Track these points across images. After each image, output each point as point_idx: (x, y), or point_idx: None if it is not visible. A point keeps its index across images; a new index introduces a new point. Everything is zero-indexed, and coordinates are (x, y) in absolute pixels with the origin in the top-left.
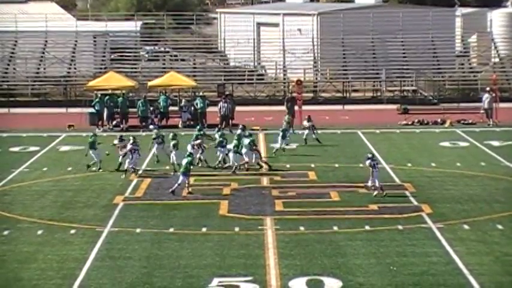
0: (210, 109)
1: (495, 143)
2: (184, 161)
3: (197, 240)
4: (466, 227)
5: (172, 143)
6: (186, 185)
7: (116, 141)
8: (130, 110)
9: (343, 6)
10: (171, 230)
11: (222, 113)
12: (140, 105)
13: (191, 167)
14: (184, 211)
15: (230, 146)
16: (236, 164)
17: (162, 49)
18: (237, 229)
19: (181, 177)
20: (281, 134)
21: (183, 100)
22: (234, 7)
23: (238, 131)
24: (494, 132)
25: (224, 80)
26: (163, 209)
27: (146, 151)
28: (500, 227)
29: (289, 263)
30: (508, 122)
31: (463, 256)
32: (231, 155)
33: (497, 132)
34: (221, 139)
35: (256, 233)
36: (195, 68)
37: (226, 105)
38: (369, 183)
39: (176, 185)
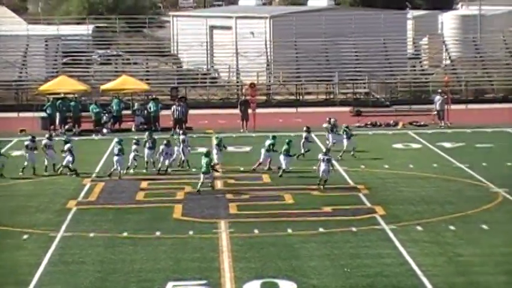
0: (163, 112)
1: (447, 145)
2: (204, 161)
3: (151, 244)
4: (419, 228)
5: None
6: (201, 183)
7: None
8: (83, 114)
9: (295, 9)
10: (125, 234)
11: (175, 116)
12: (94, 108)
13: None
14: (138, 215)
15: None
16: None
17: (115, 52)
18: (191, 232)
19: (202, 176)
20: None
21: (136, 104)
22: (187, 10)
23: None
24: (446, 133)
25: (177, 83)
26: (116, 213)
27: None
28: (452, 227)
29: (244, 266)
30: (459, 123)
31: (417, 257)
32: (281, 157)
33: (449, 133)
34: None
35: (210, 237)
36: (147, 71)
37: (180, 108)
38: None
39: (200, 184)
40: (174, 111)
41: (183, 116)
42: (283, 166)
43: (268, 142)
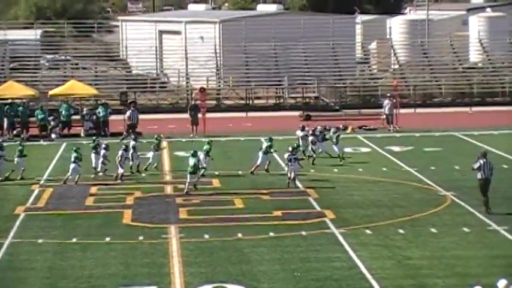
0: (112, 117)
1: (396, 149)
2: (192, 161)
3: (101, 249)
4: (368, 231)
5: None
6: (187, 183)
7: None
8: (31, 119)
9: (245, 14)
10: (74, 240)
11: (132, 121)
12: (39, 114)
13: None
14: (87, 221)
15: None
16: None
17: (63, 57)
18: (141, 238)
19: (188, 177)
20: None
21: (85, 109)
22: (136, 15)
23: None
24: (395, 137)
25: (126, 88)
26: (66, 219)
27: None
28: (401, 231)
29: (194, 270)
30: (408, 127)
31: (366, 260)
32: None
33: (397, 137)
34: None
35: (160, 242)
36: (96, 76)
37: (135, 113)
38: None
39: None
40: (130, 116)
41: (137, 121)
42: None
43: (265, 144)
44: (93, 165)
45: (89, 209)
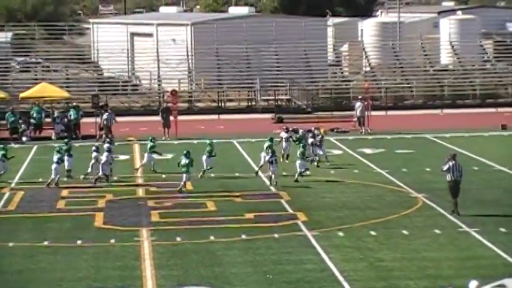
0: (83, 120)
1: (368, 151)
2: (184, 161)
3: (72, 252)
4: (340, 233)
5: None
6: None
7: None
8: (1, 122)
9: (217, 16)
10: (45, 243)
11: (110, 123)
12: (9, 117)
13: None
14: (59, 224)
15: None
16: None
17: (34, 60)
18: (112, 241)
19: (184, 176)
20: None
21: (56, 111)
22: (107, 17)
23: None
24: (367, 140)
25: (98, 90)
26: (36, 222)
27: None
28: (373, 233)
29: (166, 273)
30: (379, 129)
31: (338, 263)
32: (298, 162)
33: (369, 140)
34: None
35: (132, 245)
36: (68, 78)
37: (111, 116)
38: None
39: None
40: (107, 118)
41: (112, 123)
42: (298, 169)
43: (266, 144)
44: (66, 167)
45: (60, 212)
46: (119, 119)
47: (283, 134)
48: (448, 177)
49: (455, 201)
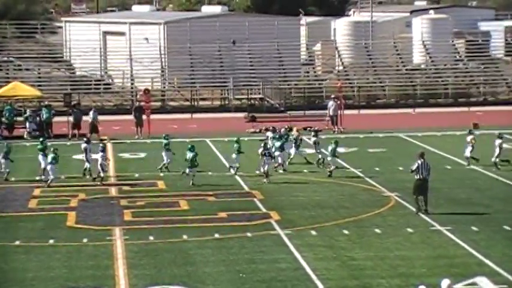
0: (56, 119)
1: (340, 150)
2: (189, 155)
3: (44, 252)
4: (313, 232)
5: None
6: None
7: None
8: None
9: (189, 15)
10: (17, 242)
11: (94, 121)
12: None
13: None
14: (31, 223)
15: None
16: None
17: (5, 58)
18: (85, 240)
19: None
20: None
21: (28, 110)
22: (79, 16)
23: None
24: (339, 139)
25: (70, 89)
26: (8, 221)
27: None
28: (346, 232)
29: (139, 273)
30: (352, 128)
31: (311, 261)
32: (329, 158)
33: (342, 139)
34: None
35: (104, 244)
36: (40, 77)
37: (95, 114)
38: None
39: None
40: (93, 116)
41: (79, 122)
42: (332, 167)
43: (277, 143)
44: (42, 166)
45: (33, 212)
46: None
47: (269, 134)
48: (417, 176)
49: (425, 199)
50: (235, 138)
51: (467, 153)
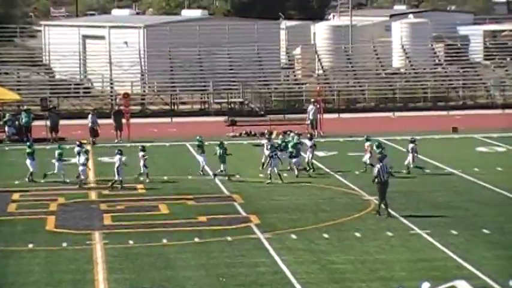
0: (34, 123)
1: (320, 154)
2: (219, 152)
3: (24, 256)
4: (293, 236)
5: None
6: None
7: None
8: None
9: (169, 19)
10: None
11: (94, 126)
12: None
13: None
14: (10, 227)
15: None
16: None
17: None
18: (64, 244)
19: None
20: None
21: (7, 114)
22: (59, 20)
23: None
24: (319, 143)
25: (50, 93)
26: None
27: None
28: (326, 235)
29: (118, 277)
30: (332, 132)
31: (291, 265)
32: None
33: (322, 142)
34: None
35: (84, 248)
36: (19, 81)
37: (94, 118)
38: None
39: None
40: (92, 120)
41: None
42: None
43: (289, 149)
44: (31, 170)
45: (12, 216)
46: (71, 121)
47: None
48: (377, 179)
49: (385, 203)
50: (217, 143)
51: (409, 161)
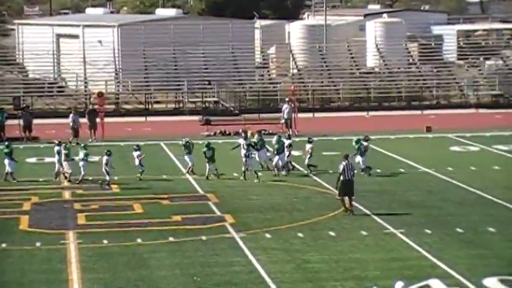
0: (7, 122)
1: (295, 153)
2: (209, 153)
3: None
4: (268, 235)
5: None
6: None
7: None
8: None
9: (144, 18)
10: None
11: (75, 125)
12: None
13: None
14: None
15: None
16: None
17: None
18: (38, 244)
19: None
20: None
21: None
22: (33, 18)
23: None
24: (294, 142)
25: (23, 92)
26: None
27: None
28: (300, 235)
29: (93, 276)
30: (306, 131)
31: (266, 264)
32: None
33: (296, 142)
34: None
35: (58, 248)
36: None
37: (76, 117)
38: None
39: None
40: (73, 120)
41: (29, 124)
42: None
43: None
44: (7, 170)
45: None
46: (44, 121)
47: (242, 141)
48: (342, 177)
49: (351, 200)
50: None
51: (306, 161)
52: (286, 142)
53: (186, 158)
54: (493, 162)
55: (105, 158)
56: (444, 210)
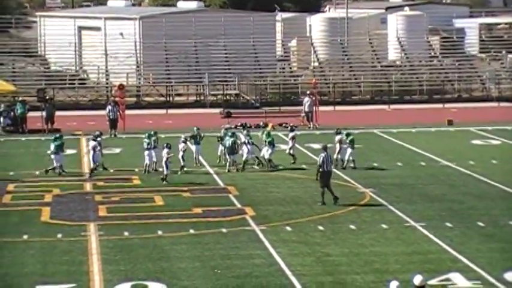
0: (30, 114)
1: (315, 146)
2: (228, 142)
3: (18, 247)
4: (288, 228)
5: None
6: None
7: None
8: None
9: (165, 11)
10: None
11: (111, 117)
12: None
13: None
14: (4, 218)
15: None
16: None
17: None
18: (59, 236)
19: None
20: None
21: (3, 105)
22: (55, 11)
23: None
24: (315, 135)
25: (45, 84)
26: None
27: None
28: (321, 228)
29: (113, 268)
30: (327, 125)
31: (286, 257)
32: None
33: (317, 135)
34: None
35: (79, 239)
36: (14, 72)
37: (115, 108)
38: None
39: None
40: (108, 111)
41: (52, 116)
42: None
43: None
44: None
45: (6, 207)
46: (66, 113)
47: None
48: (321, 168)
49: (330, 189)
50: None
51: (288, 150)
52: (290, 134)
53: (192, 147)
54: None
55: (165, 151)
56: (465, 204)
